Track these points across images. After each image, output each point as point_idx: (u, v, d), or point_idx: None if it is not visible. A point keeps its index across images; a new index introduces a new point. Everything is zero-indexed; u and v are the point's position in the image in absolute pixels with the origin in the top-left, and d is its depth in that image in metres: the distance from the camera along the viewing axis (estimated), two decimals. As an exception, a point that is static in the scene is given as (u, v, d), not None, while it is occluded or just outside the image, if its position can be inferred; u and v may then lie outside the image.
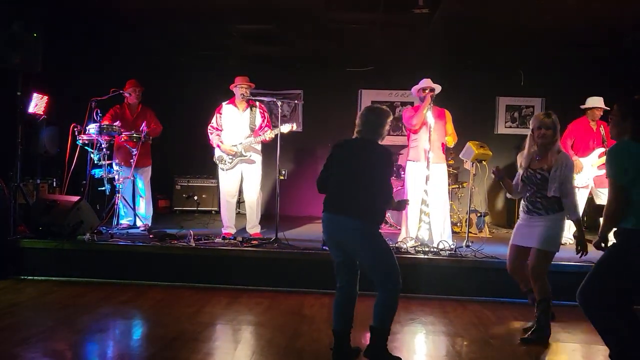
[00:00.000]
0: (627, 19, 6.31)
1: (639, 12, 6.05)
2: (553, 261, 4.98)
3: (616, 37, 7.02)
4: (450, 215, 6.65)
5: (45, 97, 7.03)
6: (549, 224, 3.97)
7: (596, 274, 3.15)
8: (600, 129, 6.53)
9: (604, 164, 3.74)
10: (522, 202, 4.16)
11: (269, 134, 6.09)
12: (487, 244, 6.01)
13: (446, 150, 6.22)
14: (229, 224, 6.33)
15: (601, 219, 3.28)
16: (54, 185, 7.42)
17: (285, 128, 6.02)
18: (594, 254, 3.38)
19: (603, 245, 3.16)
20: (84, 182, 6.45)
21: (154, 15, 6.70)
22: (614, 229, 3.14)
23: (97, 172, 6.30)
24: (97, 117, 6.17)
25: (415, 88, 6.02)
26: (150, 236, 5.95)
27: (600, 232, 3.17)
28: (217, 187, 8.46)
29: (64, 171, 6.34)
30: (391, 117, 3.69)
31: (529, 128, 4.16)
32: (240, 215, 6.56)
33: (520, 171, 4.14)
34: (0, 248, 5.53)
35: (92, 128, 6.12)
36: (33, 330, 3.95)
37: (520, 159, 4.15)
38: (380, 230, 3.56)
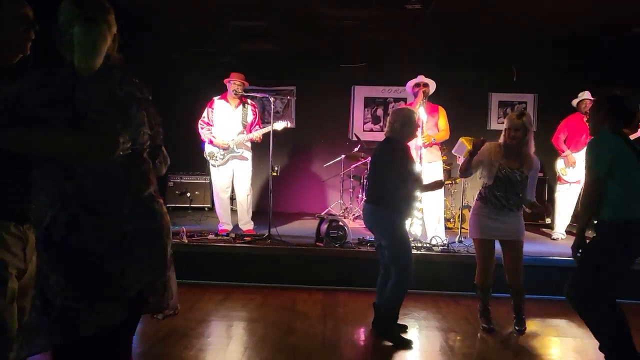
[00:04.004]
0: (619, 15, 6.34)
1: (631, 8, 6.08)
2: (546, 256, 5.03)
3: (607, 34, 7.04)
4: (443, 210, 6.67)
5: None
6: (519, 218, 4.10)
7: (583, 272, 3.15)
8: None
9: None
10: (487, 194, 4.09)
11: (256, 134, 6.08)
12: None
13: (440, 146, 6.23)
14: (225, 220, 6.32)
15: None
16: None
17: (279, 125, 6.01)
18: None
19: (579, 249, 3.16)
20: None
21: (147, 11, 6.66)
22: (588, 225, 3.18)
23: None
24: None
25: (409, 84, 6.03)
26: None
27: (578, 228, 3.19)
28: (210, 183, 8.46)
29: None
30: (405, 114, 4.03)
31: None
32: (233, 211, 6.55)
33: (492, 163, 4.07)
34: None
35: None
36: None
37: (494, 152, 4.08)
38: (400, 221, 3.95)
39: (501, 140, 4.11)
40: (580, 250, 3.18)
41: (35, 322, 1.81)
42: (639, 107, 3.19)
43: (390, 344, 3.82)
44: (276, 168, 6.15)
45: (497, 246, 4.14)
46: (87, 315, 1.83)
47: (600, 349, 3.20)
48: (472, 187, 7.79)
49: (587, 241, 3.19)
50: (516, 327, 4.14)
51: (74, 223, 1.81)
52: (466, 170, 4.19)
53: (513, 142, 4.00)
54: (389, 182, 3.88)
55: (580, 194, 6.65)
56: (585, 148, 3.17)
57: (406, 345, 3.82)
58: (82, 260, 1.82)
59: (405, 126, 3.98)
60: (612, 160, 3.01)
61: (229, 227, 6.29)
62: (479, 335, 4.10)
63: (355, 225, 7.09)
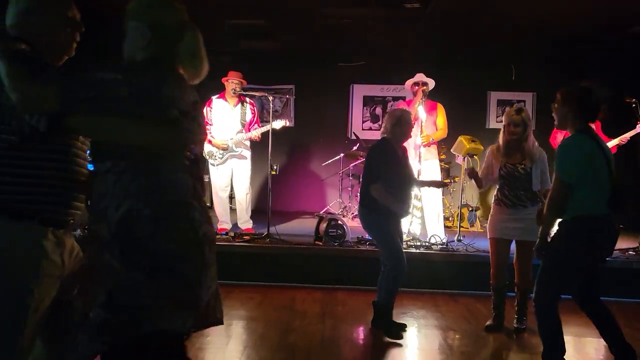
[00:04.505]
0: (617, 14, 6.34)
1: (629, 7, 6.09)
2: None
3: (605, 33, 7.04)
4: (442, 209, 6.67)
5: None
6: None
7: (546, 273, 3.09)
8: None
9: None
10: (499, 195, 4.13)
11: (255, 133, 6.07)
12: (479, 238, 6.03)
13: (438, 145, 6.25)
14: (224, 219, 6.32)
15: None
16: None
17: (278, 124, 6.00)
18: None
19: (544, 248, 3.10)
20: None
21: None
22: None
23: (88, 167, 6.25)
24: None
25: (408, 83, 6.04)
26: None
27: (542, 230, 3.10)
28: (209, 182, 8.46)
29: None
30: (397, 115, 4.07)
31: None
32: (232, 210, 6.55)
33: (494, 165, 4.13)
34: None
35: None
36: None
37: (494, 154, 4.13)
38: (386, 221, 3.95)
39: (500, 139, 4.12)
40: (544, 252, 3.11)
41: (101, 318, 1.73)
42: (602, 101, 3.17)
43: (389, 341, 3.83)
44: (275, 167, 6.15)
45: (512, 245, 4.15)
46: (159, 317, 1.76)
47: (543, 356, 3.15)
48: (471, 186, 7.79)
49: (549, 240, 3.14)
50: (516, 325, 4.15)
51: (157, 220, 1.75)
52: (482, 186, 4.27)
53: (513, 138, 4.01)
54: (369, 182, 3.94)
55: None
56: (556, 151, 3.07)
57: (396, 336, 3.88)
58: (167, 260, 1.76)
59: (396, 127, 4.02)
60: (582, 166, 2.95)
61: (228, 226, 6.29)
62: (478, 333, 4.10)
63: (354, 224, 7.08)
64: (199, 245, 1.83)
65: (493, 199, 4.25)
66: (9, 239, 1.82)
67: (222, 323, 1.99)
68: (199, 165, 1.97)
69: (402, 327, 4.08)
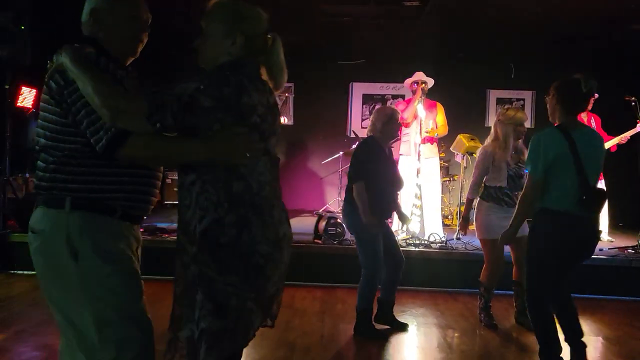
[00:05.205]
0: (618, 11, 6.35)
1: (630, 5, 6.09)
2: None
3: (606, 30, 7.05)
4: (441, 207, 6.68)
5: (34, 91, 6.95)
6: None
7: (533, 270, 3.11)
8: (592, 120, 6.56)
9: None
10: (499, 195, 4.11)
11: None
12: (478, 236, 6.04)
13: (438, 143, 6.26)
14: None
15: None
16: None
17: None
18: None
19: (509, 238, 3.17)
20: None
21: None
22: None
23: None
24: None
25: (407, 81, 6.04)
26: (141, 230, 5.91)
27: (512, 222, 3.16)
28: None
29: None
30: (387, 114, 3.98)
31: None
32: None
33: (494, 166, 4.12)
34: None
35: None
36: (24, 324, 3.93)
37: (495, 154, 4.09)
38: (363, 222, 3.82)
39: (506, 140, 4.07)
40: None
41: (216, 327, 1.76)
42: (593, 92, 3.15)
43: (389, 340, 3.84)
44: (274, 165, 6.17)
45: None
46: (256, 317, 1.84)
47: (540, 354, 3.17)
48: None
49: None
50: (519, 320, 4.19)
51: (243, 222, 1.78)
52: (476, 196, 4.29)
53: (522, 137, 4.08)
54: (357, 182, 3.89)
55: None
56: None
57: (376, 336, 3.90)
58: (254, 259, 1.80)
59: (388, 125, 3.95)
60: (548, 162, 2.95)
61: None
62: (477, 331, 4.12)
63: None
64: (279, 243, 1.89)
65: (483, 196, 4.21)
66: (107, 232, 1.85)
67: (272, 326, 2.02)
68: (278, 165, 1.99)
69: (404, 327, 4.08)
